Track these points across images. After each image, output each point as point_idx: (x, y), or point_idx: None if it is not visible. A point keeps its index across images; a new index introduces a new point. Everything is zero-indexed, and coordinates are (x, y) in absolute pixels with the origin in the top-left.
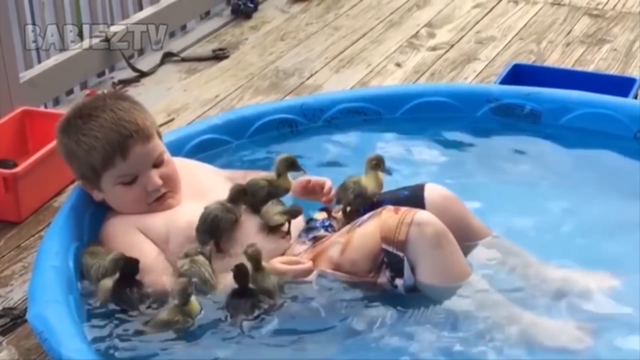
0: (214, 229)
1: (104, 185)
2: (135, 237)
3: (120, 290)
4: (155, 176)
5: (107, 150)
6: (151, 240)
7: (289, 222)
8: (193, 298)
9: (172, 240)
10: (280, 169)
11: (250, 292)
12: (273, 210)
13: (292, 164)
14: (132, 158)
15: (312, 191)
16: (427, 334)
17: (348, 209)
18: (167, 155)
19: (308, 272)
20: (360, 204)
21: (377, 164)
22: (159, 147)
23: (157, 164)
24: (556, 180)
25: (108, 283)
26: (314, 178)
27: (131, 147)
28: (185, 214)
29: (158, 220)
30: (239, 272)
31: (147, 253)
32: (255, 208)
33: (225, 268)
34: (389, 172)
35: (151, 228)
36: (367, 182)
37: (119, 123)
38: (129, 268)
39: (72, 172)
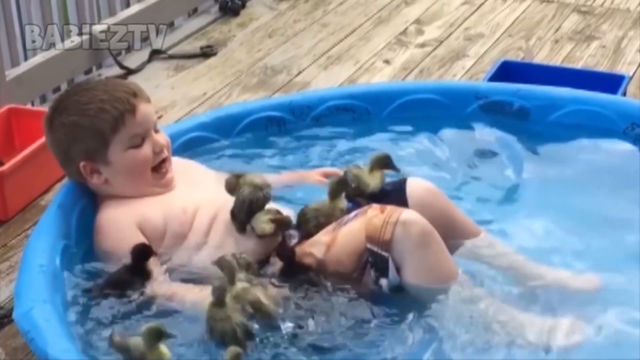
0: (251, 212)
1: (111, 154)
2: (130, 234)
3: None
4: (160, 137)
5: (116, 108)
6: (147, 237)
7: (280, 233)
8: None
9: (169, 230)
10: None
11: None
12: (262, 218)
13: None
14: (140, 115)
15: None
16: (412, 334)
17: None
18: None
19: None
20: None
21: (384, 164)
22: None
23: (156, 129)
24: (545, 177)
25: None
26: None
27: (138, 104)
28: (180, 199)
29: (155, 212)
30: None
31: None
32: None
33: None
34: (397, 169)
35: (149, 222)
36: (370, 179)
37: (122, 85)
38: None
39: (73, 156)
